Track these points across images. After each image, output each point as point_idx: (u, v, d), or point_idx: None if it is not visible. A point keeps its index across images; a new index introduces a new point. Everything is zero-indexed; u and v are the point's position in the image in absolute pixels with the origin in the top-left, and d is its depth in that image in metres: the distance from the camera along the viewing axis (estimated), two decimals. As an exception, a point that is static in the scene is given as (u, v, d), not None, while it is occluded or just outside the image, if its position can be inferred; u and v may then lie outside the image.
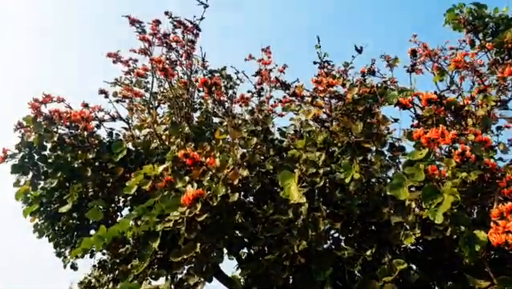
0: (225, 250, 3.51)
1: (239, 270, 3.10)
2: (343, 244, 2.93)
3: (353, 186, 3.10)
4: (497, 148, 3.95)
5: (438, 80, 4.85)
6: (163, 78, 4.81)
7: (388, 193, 2.74)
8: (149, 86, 5.28)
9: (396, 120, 3.25)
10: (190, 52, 4.99)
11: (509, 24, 4.14)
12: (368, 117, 3.20)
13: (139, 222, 2.97)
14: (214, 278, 3.32)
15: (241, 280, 2.96)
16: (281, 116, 4.88)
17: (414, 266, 2.85)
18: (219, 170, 3.11)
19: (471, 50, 4.32)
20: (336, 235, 3.11)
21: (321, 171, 3.00)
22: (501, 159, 4.04)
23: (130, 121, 4.72)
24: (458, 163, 2.57)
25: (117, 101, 4.79)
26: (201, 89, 5.17)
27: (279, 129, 4.52)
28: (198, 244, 2.59)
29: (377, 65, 4.17)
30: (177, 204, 2.69)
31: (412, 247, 2.98)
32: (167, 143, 4.52)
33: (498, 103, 4.14)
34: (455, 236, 2.58)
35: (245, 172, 3.03)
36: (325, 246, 2.85)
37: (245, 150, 3.60)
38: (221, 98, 4.63)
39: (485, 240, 2.41)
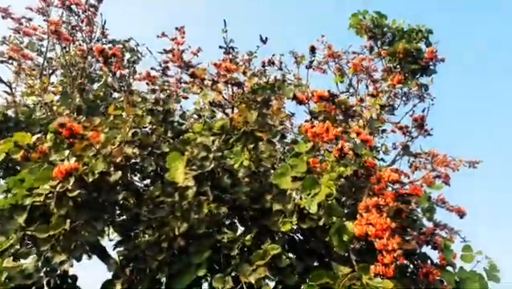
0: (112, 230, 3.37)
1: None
2: (225, 229, 2.94)
3: (242, 173, 3.14)
4: (379, 149, 4.27)
5: (339, 81, 5.11)
6: (57, 42, 4.42)
7: (273, 181, 2.80)
8: (44, 50, 4.83)
9: (292, 114, 3.34)
10: (92, 18, 4.65)
11: (403, 36, 4.47)
12: (264, 108, 3.24)
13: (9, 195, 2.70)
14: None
15: (118, 260, 2.84)
16: (185, 98, 4.77)
17: (291, 254, 2.95)
18: (104, 146, 2.94)
19: (369, 56, 4.60)
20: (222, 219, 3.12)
21: (211, 155, 2.98)
22: (382, 160, 4.39)
23: (15, 86, 4.27)
24: (337, 157, 2.70)
25: (1, 62, 4.30)
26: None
27: (183, 112, 4.43)
28: (68, 220, 2.41)
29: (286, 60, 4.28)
30: (48, 177, 2.48)
31: (292, 235, 3.08)
32: (57, 114, 4.19)
33: (386, 108, 4.47)
34: (328, 226, 2.73)
35: (131, 151, 2.88)
36: (207, 229, 2.83)
37: (138, 129, 3.46)
38: (121, 71, 4.38)
39: (353, 231, 2.57)
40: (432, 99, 4.41)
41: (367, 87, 4.31)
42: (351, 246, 2.65)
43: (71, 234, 2.42)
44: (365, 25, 4.62)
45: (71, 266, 2.61)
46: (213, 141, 3.12)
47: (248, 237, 2.78)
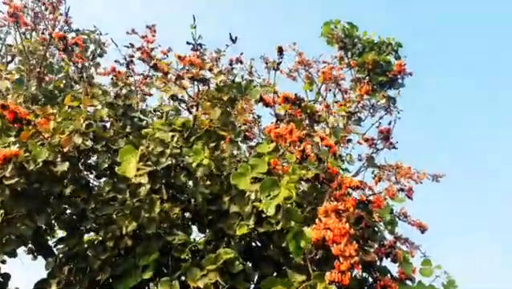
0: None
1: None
2: (177, 230, 2.77)
3: (200, 172, 2.98)
4: (344, 158, 4.23)
5: (308, 89, 5.06)
6: (16, 27, 4.17)
7: (231, 181, 2.67)
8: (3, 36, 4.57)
9: (258, 117, 3.23)
10: (57, 6, 4.43)
11: (373, 48, 4.47)
12: (229, 106, 3.11)
13: None
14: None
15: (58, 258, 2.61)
16: (149, 94, 4.58)
17: (247, 260, 2.81)
18: (53, 135, 2.74)
19: (338, 65, 4.57)
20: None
21: (168, 151, 2.82)
22: (346, 170, 4.33)
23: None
24: (299, 159, 2.60)
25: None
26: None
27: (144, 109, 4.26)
28: (2, 211, 2.19)
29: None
30: (-15, 162, 2.26)
31: (248, 240, 2.94)
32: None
33: (353, 119, 4.44)
34: (285, 231, 2.61)
35: (81, 140, 2.69)
36: (158, 230, 2.65)
37: (93, 121, 3.26)
38: (83, 62, 4.16)
39: (311, 237, 2.46)
40: (398, 112, 4.41)
41: (335, 95, 4.26)
42: (309, 255, 2.54)
43: (4, 226, 2.20)
44: (336, 34, 4.61)
45: (3, 262, 2.37)
46: (172, 137, 2.96)
47: (201, 240, 2.62)
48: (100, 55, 4.88)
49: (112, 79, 4.57)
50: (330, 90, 4.58)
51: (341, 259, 2.13)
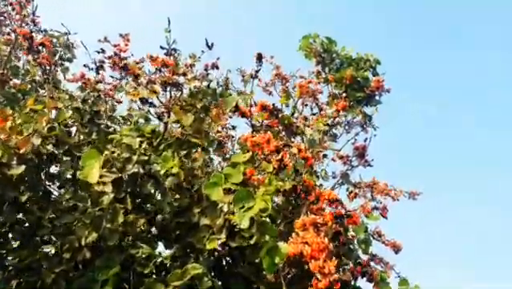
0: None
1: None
2: (141, 243, 2.56)
3: (169, 182, 2.80)
4: (319, 174, 4.12)
5: (284, 103, 4.97)
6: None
7: (203, 191, 2.50)
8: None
9: (233, 128, 3.10)
10: (24, 6, 4.21)
11: (351, 63, 4.44)
12: (203, 113, 2.97)
13: None
14: None
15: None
16: (119, 102, 4.37)
17: (215, 276, 2.62)
18: (9, 135, 2.52)
19: (316, 80, 4.51)
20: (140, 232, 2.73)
21: (135, 158, 2.64)
22: (321, 185, 4.22)
23: None
24: (276, 169, 2.46)
25: None
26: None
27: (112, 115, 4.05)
28: None
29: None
30: None
31: (219, 255, 2.76)
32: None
33: (328, 134, 4.37)
34: (259, 246, 2.45)
35: (39, 141, 2.47)
36: (120, 242, 2.44)
37: (56, 124, 3.04)
38: (49, 63, 3.93)
39: (286, 253, 2.31)
40: (375, 129, 4.37)
41: (311, 109, 4.18)
42: (283, 272, 2.39)
43: None
44: (315, 49, 4.57)
45: None
46: (141, 143, 2.78)
47: (167, 254, 2.42)
48: (69, 60, 4.65)
49: (81, 85, 4.36)
50: (307, 104, 4.50)
51: (319, 277, 1.99)
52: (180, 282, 2.14)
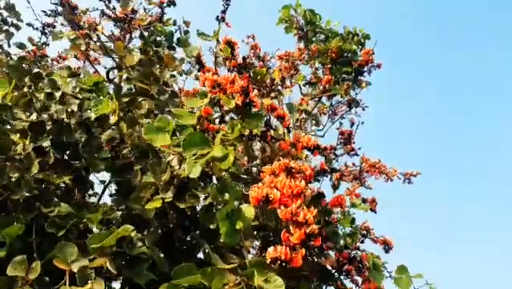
0: None
1: None
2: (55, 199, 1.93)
3: (108, 134, 2.22)
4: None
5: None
6: None
7: (143, 135, 1.91)
8: None
9: (187, 73, 2.53)
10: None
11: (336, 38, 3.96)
12: (154, 56, 2.40)
13: None
14: None
15: None
16: (64, 58, 3.72)
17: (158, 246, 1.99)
18: None
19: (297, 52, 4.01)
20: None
21: (58, 95, 2.04)
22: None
23: None
24: (238, 105, 1.89)
25: None
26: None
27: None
28: None
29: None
30: None
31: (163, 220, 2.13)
32: None
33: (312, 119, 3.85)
34: (216, 206, 1.86)
35: None
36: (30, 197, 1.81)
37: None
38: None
39: (251, 217, 1.72)
40: (363, 109, 3.87)
41: (292, 76, 3.65)
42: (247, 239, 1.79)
43: None
44: (296, 21, 4.09)
45: None
46: (74, 88, 2.19)
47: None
48: (16, 27, 4.05)
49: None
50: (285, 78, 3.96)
51: (292, 228, 1.39)
52: (102, 245, 1.51)
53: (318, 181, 1.96)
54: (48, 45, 3.54)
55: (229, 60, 2.41)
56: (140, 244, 1.65)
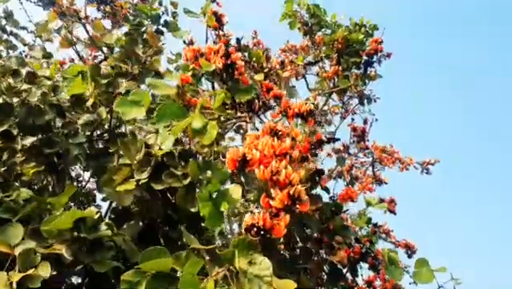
0: None
1: None
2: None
3: (84, 119, 2.01)
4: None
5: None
6: None
7: (114, 108, 1.69)
8: None
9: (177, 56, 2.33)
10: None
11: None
12: (136, 34, 2.21)
13: None
14: None
15: None
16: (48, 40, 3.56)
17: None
18: None
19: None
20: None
21: (25, 71, 1.86)
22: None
23: None
24: (220, 68, 1.66)
25: None
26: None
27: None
28: None
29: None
30: None
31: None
32: None
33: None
34: (196, 184, 1.62)
35: None
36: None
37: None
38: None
39: (238, 198, 1.45)
40: (375, 100, 3.59)
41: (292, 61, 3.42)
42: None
43: None
44: (300, 16, 3.89)
45: None
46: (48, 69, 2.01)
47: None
48: (15, 36, 3.97)
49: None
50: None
51: (272, 190, 1.13)
52: (57, 228, 1.27)
53: (316, 155, 1.68)
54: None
55: (218, 37, 2.20)
56: (104, 227, 1.41)
